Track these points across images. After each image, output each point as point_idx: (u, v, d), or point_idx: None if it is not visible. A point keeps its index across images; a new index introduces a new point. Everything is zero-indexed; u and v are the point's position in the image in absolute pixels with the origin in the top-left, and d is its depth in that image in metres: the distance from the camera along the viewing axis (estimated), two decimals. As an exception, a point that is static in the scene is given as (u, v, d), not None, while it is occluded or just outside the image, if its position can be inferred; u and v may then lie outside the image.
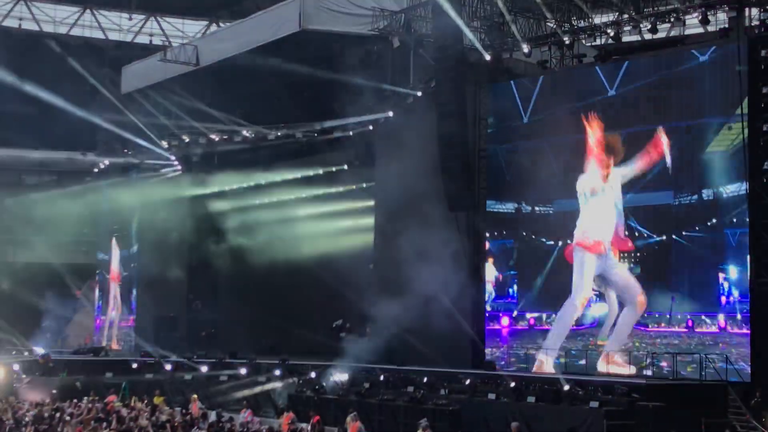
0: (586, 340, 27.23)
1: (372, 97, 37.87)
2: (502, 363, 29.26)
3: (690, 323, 23.50)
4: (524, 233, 28.52)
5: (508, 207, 28.66)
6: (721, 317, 22.74)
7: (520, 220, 28.28)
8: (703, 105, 24.19)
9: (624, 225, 25.61)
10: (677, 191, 24.17)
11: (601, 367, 27.34)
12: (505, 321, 28.42)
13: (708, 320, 22.62)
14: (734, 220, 23.57)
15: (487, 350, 32.06)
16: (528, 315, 28.12)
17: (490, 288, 29.93)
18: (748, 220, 26.31)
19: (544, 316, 27.51)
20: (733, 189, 23.18)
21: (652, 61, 27.20)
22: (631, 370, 26.62)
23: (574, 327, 27.32)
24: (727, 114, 23.32)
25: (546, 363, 29.28)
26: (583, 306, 27.20)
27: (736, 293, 22.98)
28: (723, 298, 23.02)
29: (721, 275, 23.07)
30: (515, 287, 28.45)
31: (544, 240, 27.86)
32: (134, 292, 50.85)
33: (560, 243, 27.60)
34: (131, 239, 51.69)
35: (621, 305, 26.88)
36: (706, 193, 23.40)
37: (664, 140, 25.56)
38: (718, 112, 23.54)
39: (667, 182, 24.31)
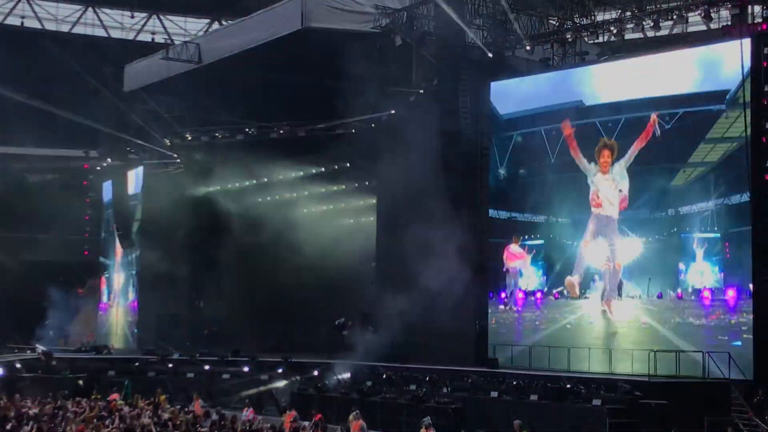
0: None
1: (374, 95, 37.82)
2: (537, 323, 35.10)
3: (660, 295, 31.45)
4: (551, 235, 35.11)
5: (540, 218, 35.52)
6: (679, 290, 31.08)
7: (548, 226, 35.23)
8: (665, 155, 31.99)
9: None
10: (652, 209, 32.17)
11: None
12: (538, 295, 35.33)
13: (671, 292, 31.20)
14: (687, 228, 31.26)
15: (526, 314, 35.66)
16: (553, 290, 34.72)
17: (531, 273, 35.92)
18: (751, 228, 29.23)
19: (564, 291, 34.24)
20: (686, 209, 31.26)
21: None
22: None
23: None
24: (683, 161, 31.30)
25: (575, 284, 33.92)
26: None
27: (688, 275, 31.16)
28: (681, 276, 31.27)
29: (680, 264, 31.42)
30: (546, 274, 35.35)
31: (564, 240, 34.55)
32: (137, 290, 50.82)
33: (575, 241, 34.04)
34: (134, 237, 51.67)
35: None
36: (671, 211, 31.82)
37: (654, 124, 31.77)
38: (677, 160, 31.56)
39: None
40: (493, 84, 36.63)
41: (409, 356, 35.48)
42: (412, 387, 31.12)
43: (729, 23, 31.72)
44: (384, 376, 33.29)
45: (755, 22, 30.40)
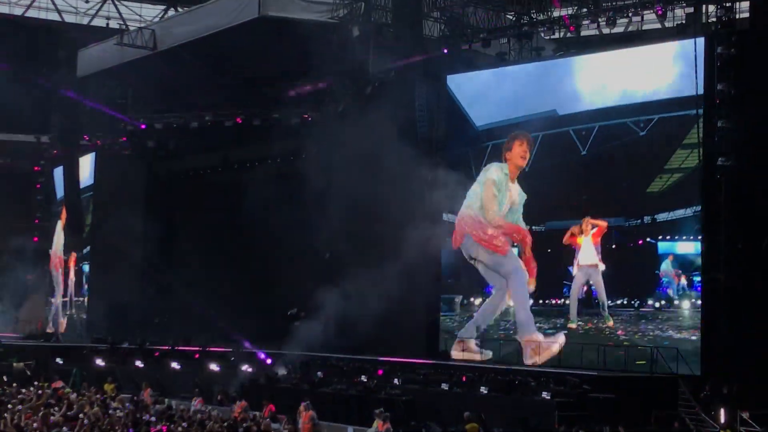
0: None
1: (330, 86, 37.72)
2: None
3: (635, 305, 30.99)
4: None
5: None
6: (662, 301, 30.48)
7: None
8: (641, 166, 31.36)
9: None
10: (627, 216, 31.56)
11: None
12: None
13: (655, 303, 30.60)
14: (664, 236, 30.48)
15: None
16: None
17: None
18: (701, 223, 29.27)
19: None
20: (663, 216, 30.53)
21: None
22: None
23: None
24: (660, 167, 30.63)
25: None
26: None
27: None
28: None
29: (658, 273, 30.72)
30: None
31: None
32: (87, 277, 50.30)
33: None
34: (85, 224, 51.14)
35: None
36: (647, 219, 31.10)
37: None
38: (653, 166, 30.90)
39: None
40: (467, 90, 36.25)
41: (360, 347, 35.47)
42: (363, 378, 31.13)
43: (683, 22, 32.00)
44: (335, 368, 33.27)
45: (709, 21, 30.68)
